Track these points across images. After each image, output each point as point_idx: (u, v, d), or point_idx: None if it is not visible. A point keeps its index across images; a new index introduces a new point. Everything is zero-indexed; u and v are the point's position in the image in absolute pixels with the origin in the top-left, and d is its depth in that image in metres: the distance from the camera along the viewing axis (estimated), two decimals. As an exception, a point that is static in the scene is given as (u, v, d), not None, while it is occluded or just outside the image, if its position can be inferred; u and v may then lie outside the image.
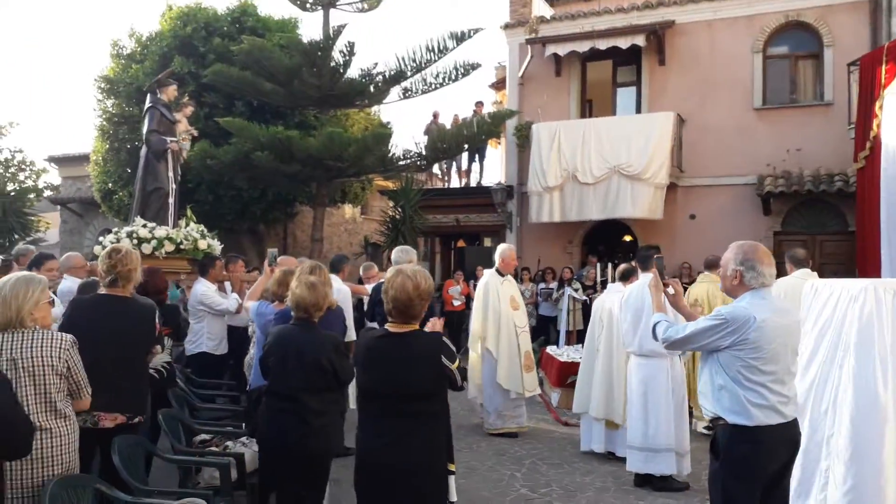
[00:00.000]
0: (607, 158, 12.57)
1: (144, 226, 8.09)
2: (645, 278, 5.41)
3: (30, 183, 20.04)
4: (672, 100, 13.01)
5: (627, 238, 14.42)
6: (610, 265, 10.91)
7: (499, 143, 17.18)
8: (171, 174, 8.68)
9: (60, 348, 2.88)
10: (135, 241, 7.90)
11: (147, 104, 8.83)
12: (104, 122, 14.82)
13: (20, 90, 60.61)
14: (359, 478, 3.03)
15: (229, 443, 4.37)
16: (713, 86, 12.83)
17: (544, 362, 9.51)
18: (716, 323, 3.06)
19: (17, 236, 15.73)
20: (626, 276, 6.31)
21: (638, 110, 13.64)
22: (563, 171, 12.96)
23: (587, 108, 14.71)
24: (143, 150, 8.77)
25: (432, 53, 12.21)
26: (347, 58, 12.00)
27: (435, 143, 12.46)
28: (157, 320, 3.72)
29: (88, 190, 17.32)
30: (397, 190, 13.32)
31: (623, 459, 5.70)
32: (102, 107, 14.93)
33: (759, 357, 2.99)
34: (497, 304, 6.93)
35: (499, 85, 17.65)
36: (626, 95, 14.12)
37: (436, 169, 17.73)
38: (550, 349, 9.52)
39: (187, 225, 8.73)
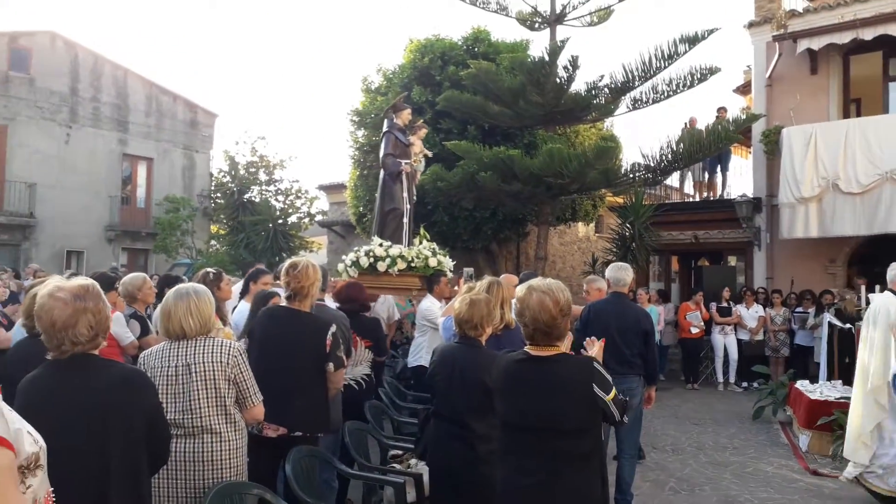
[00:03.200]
0: (877, 163, 10.81)
1: (381, 245, 8.48)
2: None
3: (304, 209, 22.78)
4: (964, 90, 10.82)
5: (910, 257, 12.22)
6: (863, 289, 9.32)
7: (749, 153, 15.70)
8: (405, 195, 8.94)
9: (230, 355, 3.03)
10: (371, 259, 8.35)
11: (384, 129, 9.22)
12: (355, 152, 16.23)
13: (296, 127, 69.46)
14: None
15: (413, 460, 4.38)
16: None
17: (792, 399, 8.34)
18: None
19: (284, 255, 17.83)
20: None
21: (917, 106, 11.57)
22: (820, 179, 11.40)
23: (851, 108, 12.82)
24: (381, 174, 9.17)
25: (662, 60, 11.49)
26: (571, 72, 11.76)
27: (689, 150, 11.55)
28: (335, 334, 3.81)
29: (348, 213, 19.12)
30: (626, 206, 12.71)
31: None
32: (354, 138, 16.37)
33: None
34: None
35: (745, 89, 16.15)
36: (901, 90, 12.08)
37: (676, 181, 16.72)
38: (800, 384, 8.30)
39: (420, 243, 8.99)
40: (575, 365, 2.64)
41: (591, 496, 2.61)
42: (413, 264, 8.48)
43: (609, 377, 2.64)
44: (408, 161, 8.96)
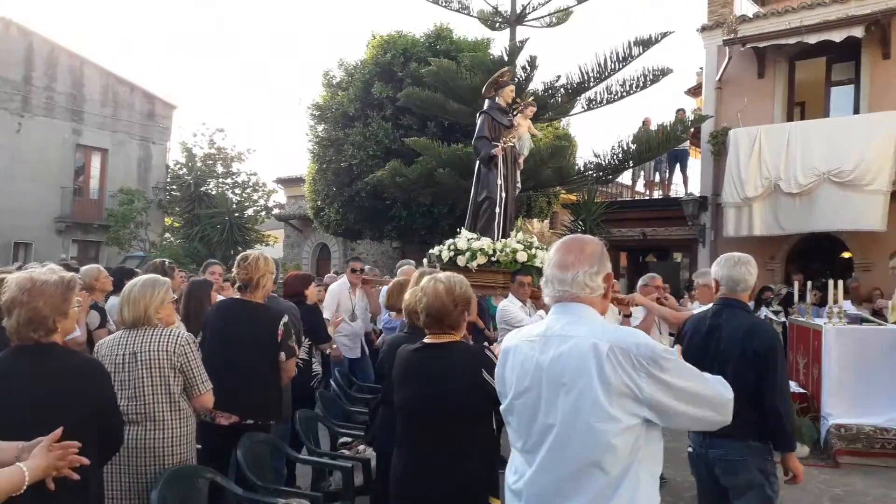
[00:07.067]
0: (816, 165, 11.31)
1: (467, 238, 7.59)
2: None
3: (261, 203, 22.68)
4: (899, 98, 11.38)
5: (845, 255, 12.82)
6: (809, 284, 9.80)
7: (700, 153, 16.20)
8: (500, 182, 7.75)
9: (177, 344, 3.10)
10: (452, 253, 7.53)
11: (483, 109, 8.14)
12: (315, 146, 16.25)
13: (255, 120, 68.70)
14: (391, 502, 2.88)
15: (361, 446, 4.55)
16: (951, 78, 11.04)
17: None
18: None
19: (240, 248, 17.74)
20: None
21: (856, 111, 12.12)
22: (763, 179, 11.88)
23: (796, 112, 13.36)
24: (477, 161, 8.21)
25: (616, 62, 11.79)
26: (529, 72, 11.99)
27: (639, 149, 11.83)
28: (287, 324, 3.93)
29: (305, 207, 19.11)
30: (578, 203, 13.03)
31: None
32: (314, 132, 16.39)
33: (505, 408, 2.07)
34: None
35: (696, 91, 16.65)
36: (841, 95, 12.64)
37: (629, 180, 17.13)
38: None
39: (516, 235, 7.89)
40: (466, 352, 2.77)
41: (479, 477, 2.70)
42: (495, 258, 7.34)
43: None
44: (498, 144, 7.71)
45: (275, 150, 65.00)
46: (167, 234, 22.54)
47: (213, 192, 21.31)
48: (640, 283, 5.80)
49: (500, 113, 7.88)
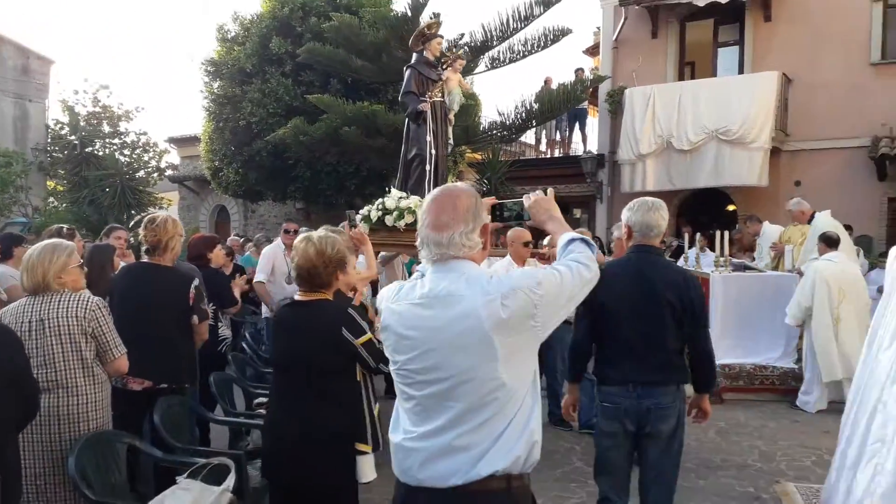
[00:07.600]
0: (705, 123, 11.95)
1: (398, 197, 7.24)
2: None
3: (153, 163, 21.54)
4: (779, 58, 12.16)
5: (731, 207, 13.69)
6: (698, 235, 10.45)
7: (597, 112, 16.70)
8: (429, 138, 7.38)
9: (87, 309, 3.01)
10: (380, 212, 7.23)
11: (410, 63, 7.73)
12: (210, 104, 15.58)
13: (144, 77, 64.98)
14: (263, 450, 3.02)
15: (279, 406, 4.55)
16: (825, 41, 11.88)
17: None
18: None
19: (133, 212, 16.90)
20: None
21: (741, 71, 12.84)
22: (657, 137, 12.45)
23: (686, 71, 14.00)
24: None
25: (518, 21, 11.93)
26: (433, 29, 11.94)
27: (541, 108, 12.02)
28: (198, 287, 3.86)
29: (201, 168, 18.37)
30: (483, 161, 13.23)
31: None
32: (209, 89, 15.69)
33: (395, 370, 1.99)
34: None
35: (594, 51, 17.09)
36: (728, 56, 13.37)
37: (532, 140, 17.47)
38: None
39: None
40: (329, 310, 2.85)
41: (341, 427, 2.81)
42: None
43: (365, 323, 2.81)
44: (426, 99, 7.34)
45: (165, 109, 61.76)
46: (51, 199, 21.09)
47: (101, 154, 20.05)
48: None
49: (427, 67, 7.56)
